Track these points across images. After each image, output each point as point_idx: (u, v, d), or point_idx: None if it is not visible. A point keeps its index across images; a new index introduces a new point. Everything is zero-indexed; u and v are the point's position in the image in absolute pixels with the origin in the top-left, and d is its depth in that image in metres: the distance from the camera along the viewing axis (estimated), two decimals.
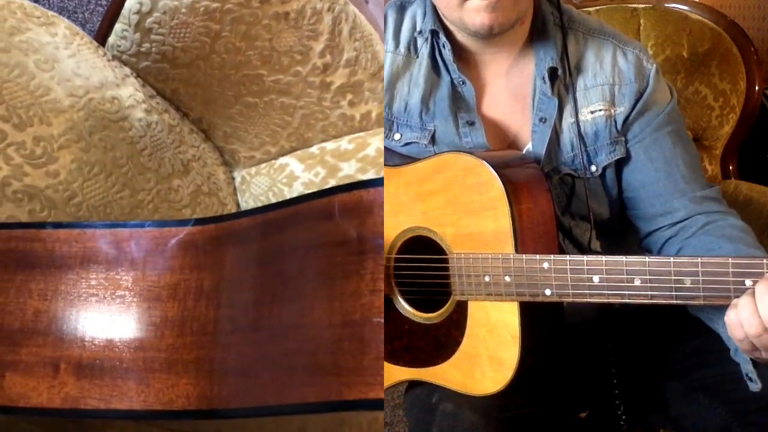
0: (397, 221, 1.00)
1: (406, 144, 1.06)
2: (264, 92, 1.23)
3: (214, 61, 1.19)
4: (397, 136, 1.06)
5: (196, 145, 1.24)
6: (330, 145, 1.29)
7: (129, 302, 0.73)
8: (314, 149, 1.29)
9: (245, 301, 0.68)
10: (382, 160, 1.24)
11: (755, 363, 0.86)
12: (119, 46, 1.17)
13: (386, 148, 1.06)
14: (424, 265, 0.98)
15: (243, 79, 1.21)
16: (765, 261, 0.77)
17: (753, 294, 0.77)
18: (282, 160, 1.30)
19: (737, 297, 0.79)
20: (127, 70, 1.19)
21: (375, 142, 1.27)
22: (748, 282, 0.78)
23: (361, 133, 1.31)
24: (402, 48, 1.06)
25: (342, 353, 0.61)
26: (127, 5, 1.16)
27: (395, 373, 1.02)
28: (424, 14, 1.05)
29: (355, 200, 0.64)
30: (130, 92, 1.15)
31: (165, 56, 1.17)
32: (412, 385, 1.05)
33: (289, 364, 0.64)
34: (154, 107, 1.19)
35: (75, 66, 1.08)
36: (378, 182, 0.65)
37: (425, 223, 0.98)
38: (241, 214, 0.73)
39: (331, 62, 1.25)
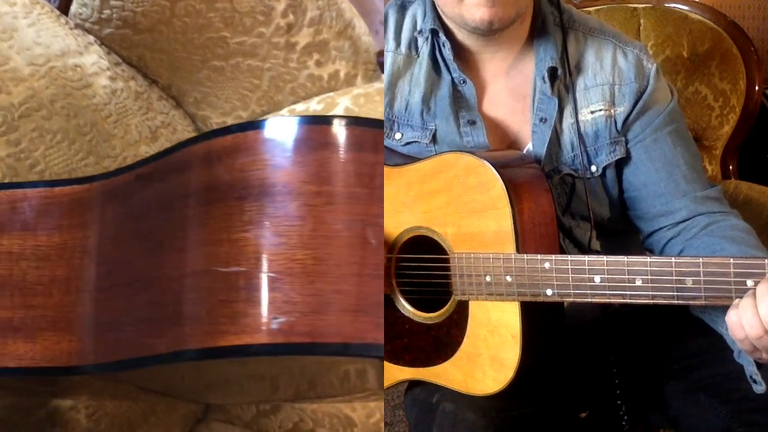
0: (398, 221, 1.00)
1: (407, 143, 1.06)
2: (230, 55, 1.23)
3: (176, 26, 1.18)
4: (398, 136, 1.06)
5: (165, 112, 1.24)
6: (300, 107, 1.28)
7: (21, 262, 0.76)
8: (284, 112, 1.28)
9: (121, 257, 0.71)
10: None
11: (759, 365, 0.86)
12: (81, 13, 1.16)
13: (387, 148, 1.06)
14: (425, 265, 0.98)
15: (207, 43, 1.21)
16: (766, 261, 0.77)
17: (754, 295, 0.77)
18: None
19: (739, 297, 0.79)
20: (91, 38, 1.18)
21: (343, 102, 1.26)
22: (750, 282, 0.78)
23: (330, 93, 1.29)
24: (403, 48, 1.06)
25: (187, 303, 0.63)
26: None
27: (395, 373, 1.02)
28: (425, 13, 1.05)
29: (204, 150, 0.66)
30: (93, 60, 1.15)
31: (126, 22, 1.17)
32: (413, 385, 1.05)
33: (148, 316, 0.66)
34: (119, 74, 1.18)
35: (35, 35, 1.08)
36: (232, 129, 0.66)
37: (426, 223, 0.98)
38: (124, 169, 0.74)
39: (295, 22, 1.24)
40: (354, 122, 0.66)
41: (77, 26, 1.17)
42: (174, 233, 0.66)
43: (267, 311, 0.61)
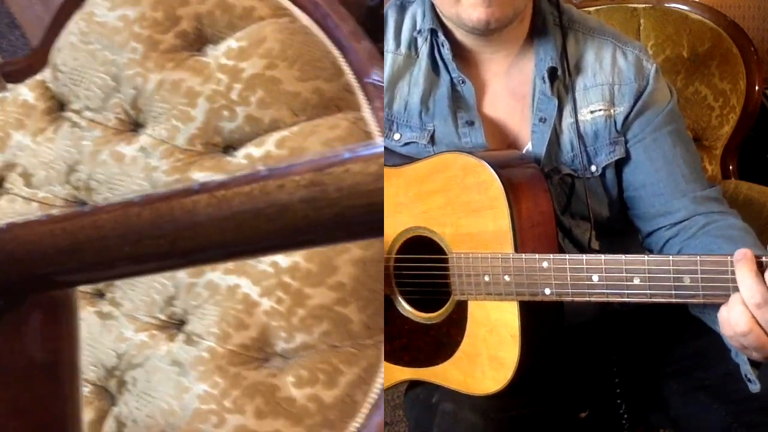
0: (396, 221, 1.00)
1: (406, 144, 1.05)
2: None
3: None
4: (396, 136, 1.06)
5: None
6: None
7: None
8: None
9: None
10: None
11: (755, 364, 0.86)
12: None
13: (386, 148, 1.06)
14: (424, 265, 0.98)
15: None
16: (764, 259, 0.77)
17: None
18: None
19: None
20: None
21: None
22: None
23: None
24: (403, 48, 1.06)
25: None
26: None
27: (395, 373, 1.02)
28: (424, 13, 1.05)
29: None
30: None
31: None
32: (413, 385, 1.05)
33: None
34: None
35: None
36: None
37: (425, 223, 0.98)
38: None
39: None
40: None
41: None
42: None
43: None
